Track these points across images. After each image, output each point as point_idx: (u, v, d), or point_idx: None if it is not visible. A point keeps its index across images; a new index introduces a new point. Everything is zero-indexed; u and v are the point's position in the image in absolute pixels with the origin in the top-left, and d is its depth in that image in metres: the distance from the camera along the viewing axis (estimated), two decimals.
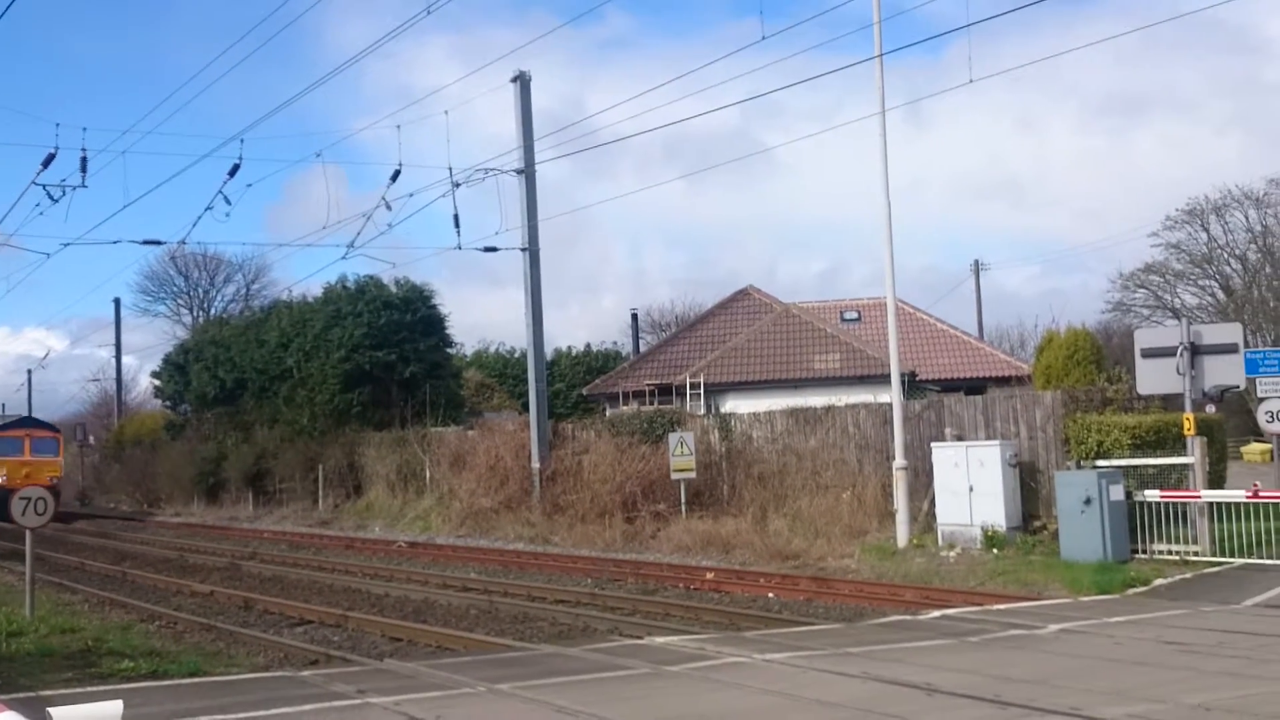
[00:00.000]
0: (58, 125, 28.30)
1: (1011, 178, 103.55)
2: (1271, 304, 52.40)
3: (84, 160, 21.77)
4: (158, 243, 27.45)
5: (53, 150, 21.78)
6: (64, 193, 22.51)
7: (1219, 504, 16.29)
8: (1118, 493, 16.15)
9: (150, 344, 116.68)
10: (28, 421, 43.66)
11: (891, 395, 19.54)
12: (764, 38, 17.05)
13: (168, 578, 20.36)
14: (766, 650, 10.15)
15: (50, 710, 3.35)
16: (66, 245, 25.80)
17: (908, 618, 12.77)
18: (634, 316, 58.51)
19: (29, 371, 69.10)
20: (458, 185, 24.89)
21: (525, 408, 30.49)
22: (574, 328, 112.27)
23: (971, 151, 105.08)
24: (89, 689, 9.27)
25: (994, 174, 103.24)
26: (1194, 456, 16.61)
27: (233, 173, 22.56)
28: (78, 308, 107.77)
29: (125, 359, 63.08)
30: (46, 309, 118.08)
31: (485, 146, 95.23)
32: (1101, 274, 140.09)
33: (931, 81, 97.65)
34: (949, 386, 34.03)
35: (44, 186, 22.52)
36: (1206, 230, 53.70)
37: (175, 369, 45.72)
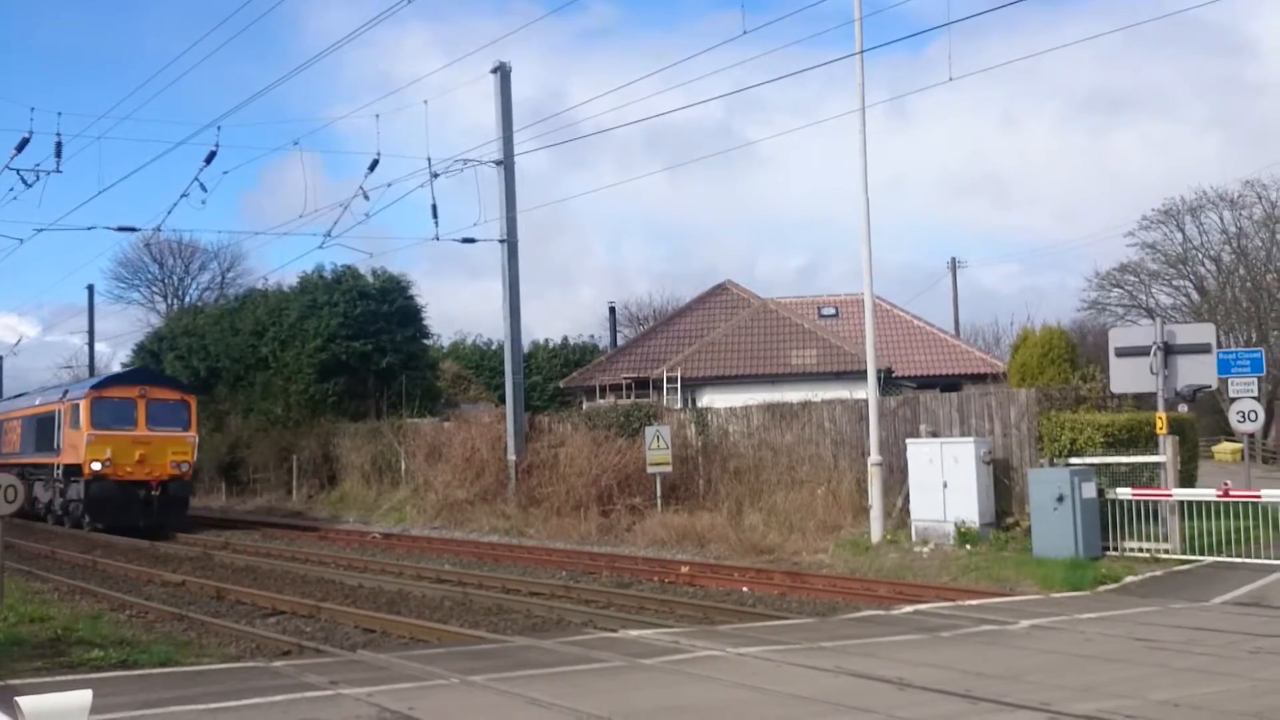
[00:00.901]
0: (32, 109, 28.03)
1: (992, 175, 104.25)
2: (1245, 305, 52.86)
3: (59, 145, 21.64)
4: (133, 229, 27.06)
5: (27, 134, 21.61)
6: (38, 177, 22.37)
7: (1190, 502, 16.42)
8: (1090, 490, 16.27)
9: (124, 331, 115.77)
10: (142, 375, 31.03)
11: (868, 391, 19.61)
12: (745, 32, 17.11)
13: (139, 567, 20.20)
14: (740, 644, 10.17)
15: (18, 700, 3.30)
16: (40, 230, 25.63)
17: (881, 613, 12.83)
18: (612, 310, 58.48)
19: (0, 358, 68.45)
20: (436, 176, 24.89)
21: (502, 400, 30.45)
22: (552, 320, 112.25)
23: (953, 148, 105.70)
24: (58, 678, 9.17)
25: (975, 171, 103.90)
26: (1166, 455, 16.76)
27: (209, 160, 22.46)
28: (51, 294, 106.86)
29: (98, 346, 62.59)
30: (19, 295, 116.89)
31: (465, 137, 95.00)
32: (1079, 272, 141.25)
33: (913, 78, 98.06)
34: (925, 383, 34.21)
35: (18, 171, 22.35)
36: (1182, 231, 54.12)
37: (149, 356, 45.36)
